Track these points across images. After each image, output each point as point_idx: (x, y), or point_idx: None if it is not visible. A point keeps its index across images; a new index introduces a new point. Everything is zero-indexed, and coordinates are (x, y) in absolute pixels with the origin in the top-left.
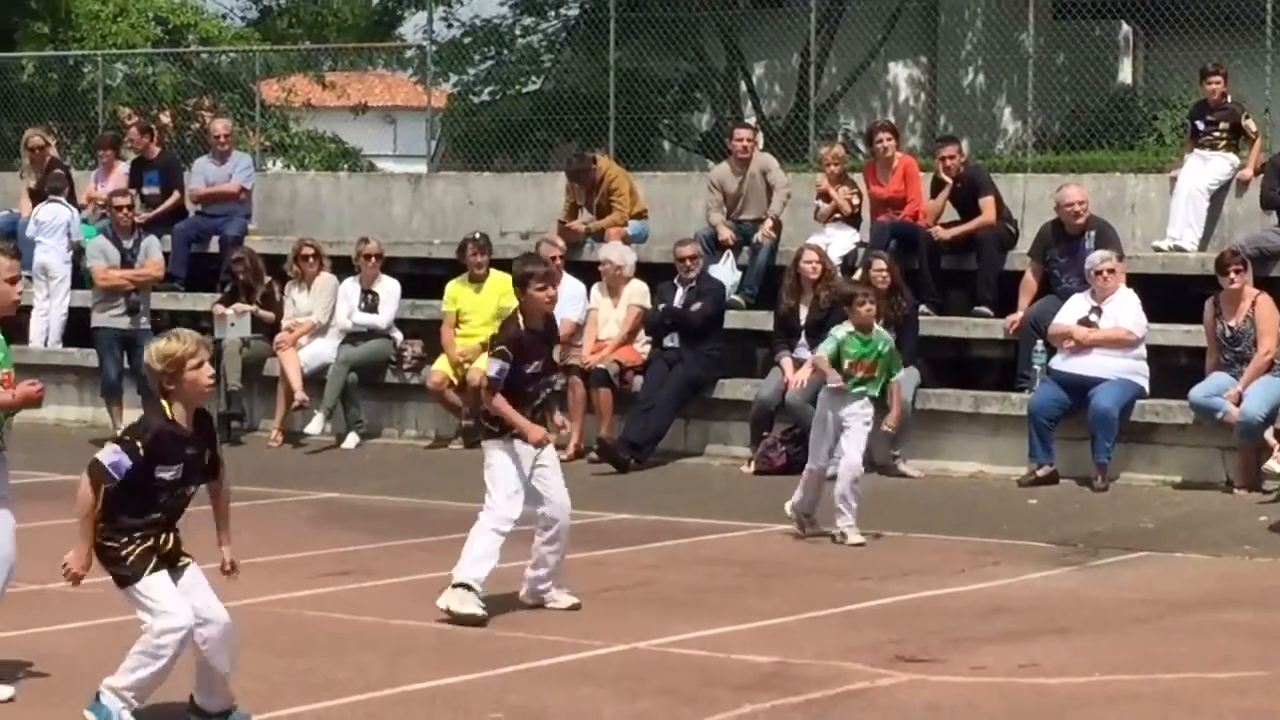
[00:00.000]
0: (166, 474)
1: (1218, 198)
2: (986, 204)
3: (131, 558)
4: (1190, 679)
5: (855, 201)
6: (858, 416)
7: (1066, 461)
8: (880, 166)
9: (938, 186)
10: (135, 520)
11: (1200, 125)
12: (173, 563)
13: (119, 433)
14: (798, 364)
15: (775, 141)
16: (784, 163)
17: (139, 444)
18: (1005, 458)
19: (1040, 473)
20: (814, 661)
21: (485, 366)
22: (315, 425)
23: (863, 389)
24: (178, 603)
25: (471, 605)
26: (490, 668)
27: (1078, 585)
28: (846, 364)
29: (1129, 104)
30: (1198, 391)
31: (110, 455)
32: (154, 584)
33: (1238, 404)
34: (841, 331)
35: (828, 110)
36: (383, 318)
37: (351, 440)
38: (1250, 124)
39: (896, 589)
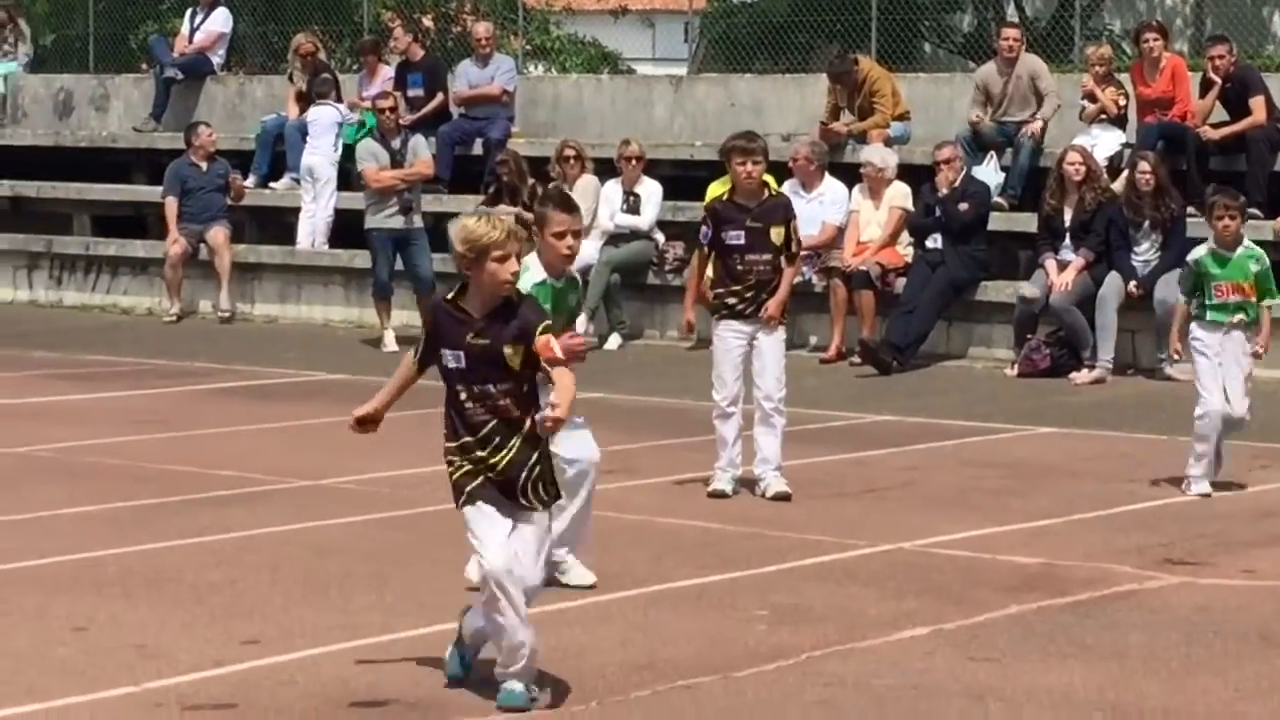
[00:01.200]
0: (450, 362)
1: None
2: (1257, 104)
3: (454, 477)
4: None
5: (1122, 102)
6: (1237, 357)
7: None
8: (1147, 67)
9: (1206, 86)
10: (452, 435)
11: None
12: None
13: None
14: (1062, 266)
15: (1039, 43)
16: (1048, 63)
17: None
18: (1274, 361)
19: None
20: (1080, 563)
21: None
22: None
23: (1240, 314)
24: (494, 540)
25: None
26: (755, 566)
27: None
28: (1211, 289)
29: None
30: None
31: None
32: (472, 516)
33: None
34: (1200, 252)
35: (1092, 11)
36: (644, 219)
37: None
38: None
39: (1162, 492)
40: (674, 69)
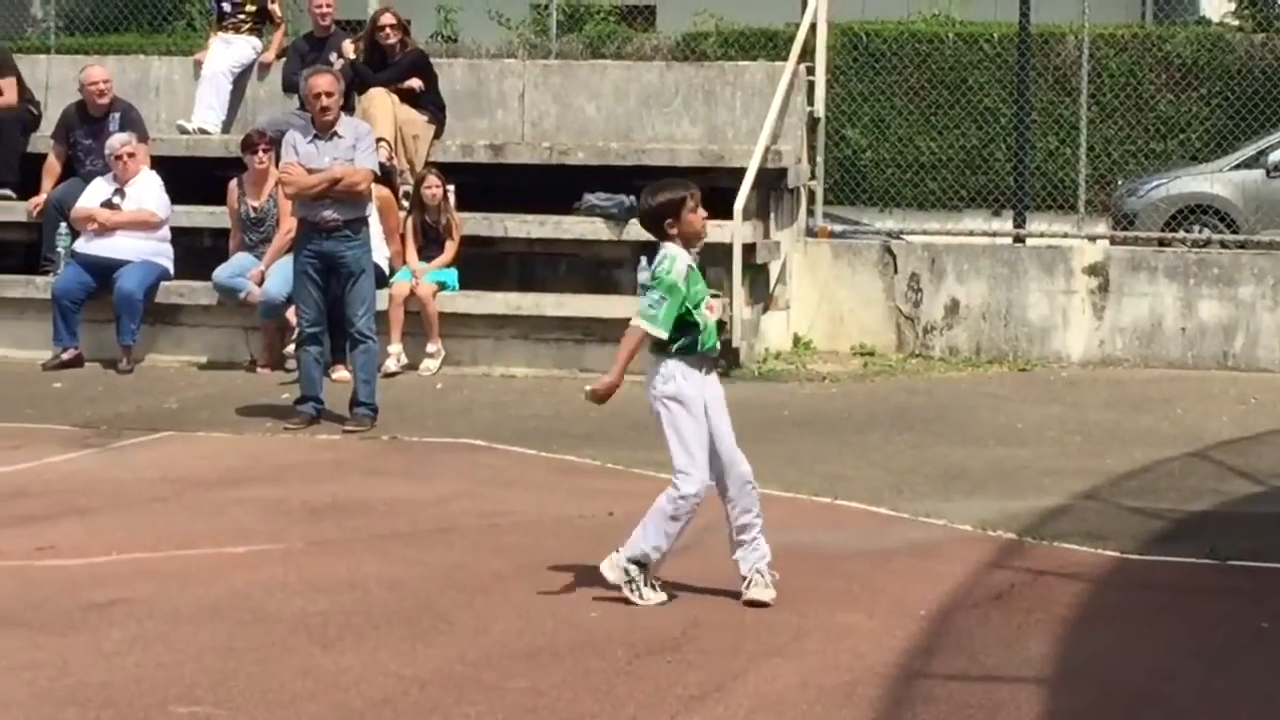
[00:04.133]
0: None
1: (241, 80)
2: (8, 84)
3: None
4: (207, 554)
5: None
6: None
7: (92, 344)
8: None
9: None
10: None
11: (226, 8)
12: None
13: None
14: None
15: None
16: None
17: None
18: (30, 342)
19: (65, 356)
20: None
21: None
22: None
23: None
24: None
25: None
26: None
27: (99, 467)
28: (705, 310)
29: None
30: (221, 272)
31: None
32: None
33: (260, 284)
34: (678, 264)
35: None
36: None
37: None
38: (275, 8)
39: None
40: None
